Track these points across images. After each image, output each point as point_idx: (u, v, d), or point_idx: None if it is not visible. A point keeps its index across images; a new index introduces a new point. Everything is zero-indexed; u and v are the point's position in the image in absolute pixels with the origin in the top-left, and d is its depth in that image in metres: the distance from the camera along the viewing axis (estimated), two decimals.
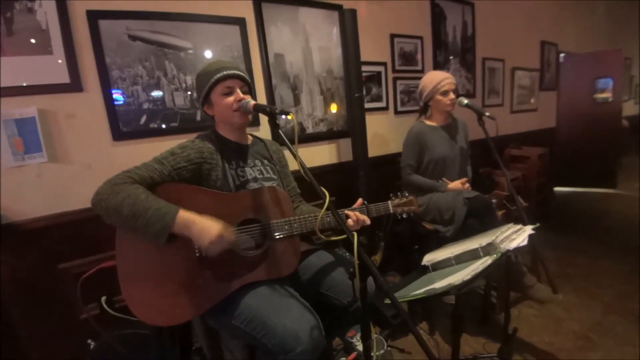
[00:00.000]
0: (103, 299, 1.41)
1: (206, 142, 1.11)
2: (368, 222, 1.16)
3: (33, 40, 1.35)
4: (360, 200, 1.21)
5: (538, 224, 1.26)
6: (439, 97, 1.88)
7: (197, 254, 0.99)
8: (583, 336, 1.67)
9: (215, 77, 1.10)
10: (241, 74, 1.14)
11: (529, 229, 1.22)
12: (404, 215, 1.30)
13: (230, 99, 1.11)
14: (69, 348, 1.41)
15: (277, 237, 1.09)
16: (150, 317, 0.94)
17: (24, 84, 1.34)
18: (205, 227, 0.91)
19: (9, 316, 1.35)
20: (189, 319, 1.00)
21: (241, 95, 1.12)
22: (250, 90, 1.20)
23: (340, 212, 1.12)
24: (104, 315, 1.39)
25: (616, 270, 2.28)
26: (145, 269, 0.95)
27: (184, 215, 0.91)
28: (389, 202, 1.29)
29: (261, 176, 1.19)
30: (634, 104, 6.65)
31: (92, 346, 1.29)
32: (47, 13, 1.36)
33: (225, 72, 1.10)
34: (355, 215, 1.14)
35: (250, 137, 1.28)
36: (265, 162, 1.25)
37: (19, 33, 1.32)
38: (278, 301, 0.99)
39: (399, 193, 1.32)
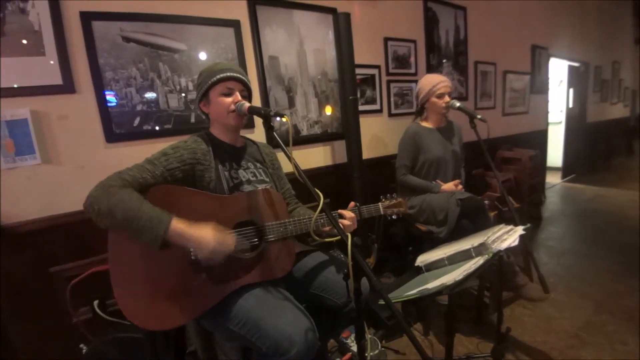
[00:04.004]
0: (95, 302, 1.39)
1: (199, 143, 1.11)
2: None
3: (25, 41, 1.34)
4: (352, 204, 1.23)
5: (529, 225, 1.28)
6: (434, 99, 1.91)
7: (192, 257, 0.98)
8: (574, 335, 1.69)
9: (218, 76, 1.10)
10: (244, 78, 1.15)
11: (520, 230, 1.24)
12: (394, 217, 1.33)
13: (228, 99, 1.12)
14: (61, 352, 1.39)
15: (272, 239, 1.09)
16: (144, 322, 0.93)
17: (15, 86, 1.33)
18: (202, 236, 0.90)
19: (0, 320, 1.33)
20: (183, 323, 0.99)
21: (239, 98, 1.13)
22: (250, 96, 1.20)
23: (333, 214, 1.13)
24: (97, 319, 1.38)
25: (607, 269, 2.32)
26: (138, 273, 0.94)
27: (177, 225, 0.90)
28: (380, 203, 1.32)
29: (254, 179, 1.19)
30: (623, 106, 6.78)
31: (84, 350, 1.28)
32: (39, 14, 1.35)
33: (228, 73, 1.11)
34: (349, 214, 1.15)
35: (243, 140, 1.28)
36: (258, 165, 1.25)
37: (11, 34, 1.31)
38: (272, 304, 0.99)
39: (388, 195, 1.35)
